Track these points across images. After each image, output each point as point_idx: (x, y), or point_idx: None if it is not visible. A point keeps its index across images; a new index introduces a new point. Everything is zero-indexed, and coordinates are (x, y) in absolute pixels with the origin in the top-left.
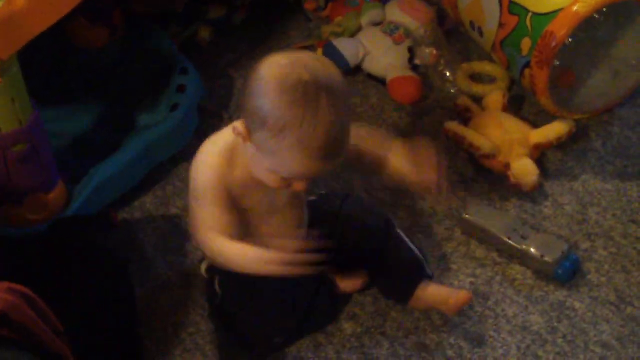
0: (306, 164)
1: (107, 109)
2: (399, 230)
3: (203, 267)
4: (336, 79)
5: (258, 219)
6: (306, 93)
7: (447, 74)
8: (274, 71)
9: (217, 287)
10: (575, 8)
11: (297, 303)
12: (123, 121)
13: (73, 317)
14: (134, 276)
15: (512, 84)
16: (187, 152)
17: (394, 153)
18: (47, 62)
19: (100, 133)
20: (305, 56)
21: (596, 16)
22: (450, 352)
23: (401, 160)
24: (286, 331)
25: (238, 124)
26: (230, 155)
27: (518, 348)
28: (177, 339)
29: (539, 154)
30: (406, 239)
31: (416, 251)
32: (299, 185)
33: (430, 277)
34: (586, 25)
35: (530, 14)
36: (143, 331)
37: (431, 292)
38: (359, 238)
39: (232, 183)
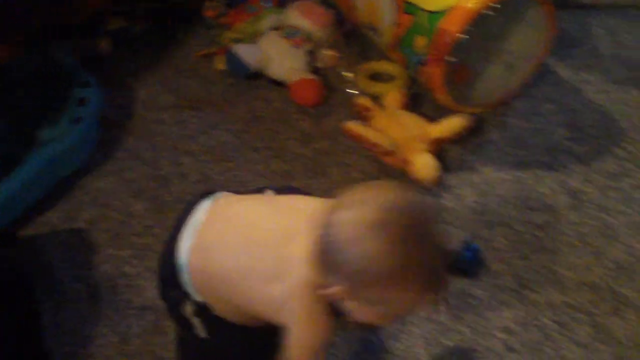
0: (421, 300)
1: (7, 125)
2: None
3: (188, 309)
4: (426, 205)
5: None
6: (413, 235)
7: (347, 75)
8: (370, 225)
9: (197, 323)
10: (467, 5)
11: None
12: (24, 136)
13: None
14: (41, 291)
15: (412, 82)
16: (91, 165)
17: None
18: None
19: (2, 149)
20: (388, 194)
21: (489, 12)
22: (356, 346)
23: None
24: None
25: (335, 291)
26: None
27: (424, 339)
28: (86, 353)
29: (439, 149)
30: None
31: None
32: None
33: None
34: (479, 22)
35: (424, 13)
36: (51, 345)
37: None
38: None
39: None
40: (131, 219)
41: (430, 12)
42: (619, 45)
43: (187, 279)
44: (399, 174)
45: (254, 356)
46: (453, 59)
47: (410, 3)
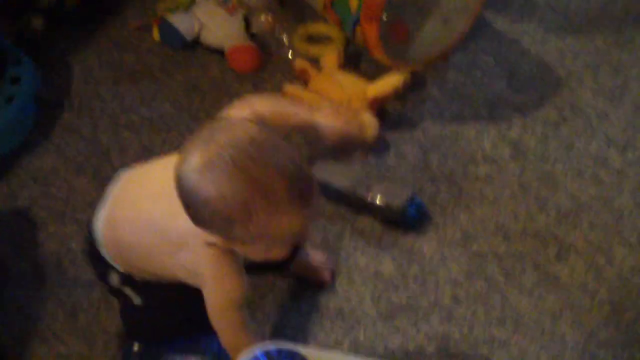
0: (293, 218)
1: None
2: None
3: (114, 279)
4: (252, 130)
5: None
6: (239, 162)
7: (284, 38)
8: (198, 170)
9: (129, 292)
10: None
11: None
12: None
13: None
14: None
15: (349, 42)
16: (29, 144)
17: (320, 114)
18: None
19: None
20: (210, 134)
21: None
22: (305, 307)
23: (328, 116)
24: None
25: (209, 240)
26: (235, 257)
27: (372, 296)
28: (35, 331)
29: (379, 108)
30: None
31: None
32: (304, 238)
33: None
34: None
35: None
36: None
37: (301, 268)
38: None
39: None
40: (74, 195)
41: None
42: None
43: (104, 250)
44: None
45: (194, 310)
46: (386, 17)
47: None
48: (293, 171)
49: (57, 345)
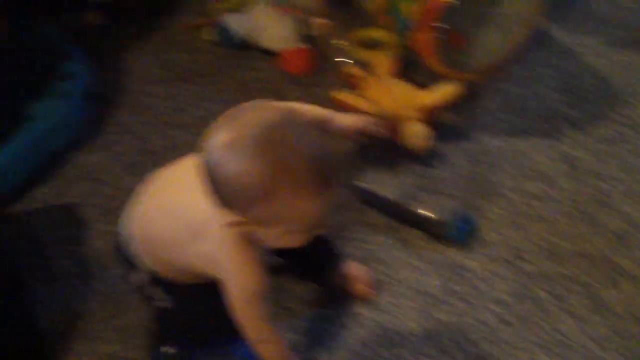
0: (315, 203)
1: None
2: None
3: (139, 278)
4: (279, 113)
5: None
6: (263, 142)
7: (338, 42)
8: (222, 148)
9: (161, 294)
10: None
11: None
12: (10, 112)
13: None
14: (31, 268)
15: (404, 48)
16: (81, 140)
17: (338, 115)
18: None
19: None
20: (238, 115)
21: None
22: (348, 321)
23: (345, 117)
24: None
25: (229, 219)
26: (254, 246)
27: (417, 312)
28: (79, 329)
29: (432, 117)
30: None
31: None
32: (325, 225)
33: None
34: None
35: None
36: (43, 323)
37: (341, 281)
38: None
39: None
40: (122, 193)
41: None
42: (616, 6)
43: (134, 247)
44: (390, 143)
45: (225, 314)
46: (443, 25)
47: None
48: (319, 154)
49: (97, 343)
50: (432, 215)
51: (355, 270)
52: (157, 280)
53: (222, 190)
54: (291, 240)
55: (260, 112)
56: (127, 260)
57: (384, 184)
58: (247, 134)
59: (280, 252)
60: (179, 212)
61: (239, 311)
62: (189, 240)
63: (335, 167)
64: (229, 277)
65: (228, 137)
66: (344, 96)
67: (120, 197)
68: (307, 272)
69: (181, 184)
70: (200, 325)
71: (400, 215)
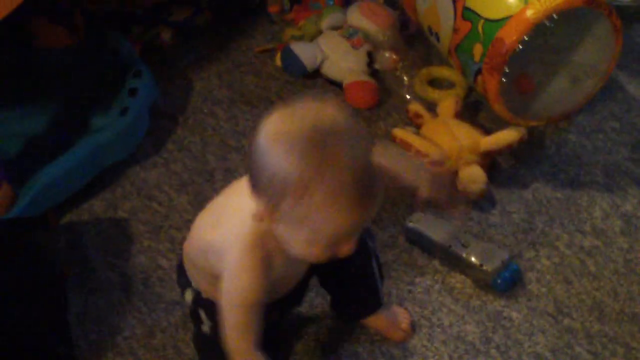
0: (345, 217)
1: (61, 110)
2: (372, 253)
3: (187, 297)
4: (339, 116)
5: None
6: (314, 141)
7: (405, 79)
8: (273, 135)
9: (204, 317)
10: (525, 15)
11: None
12: (77, 123)
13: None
14: (74, 278)
15: (469, 90)
16: (139, 156)
17: (422, 181)
18: (5, 63)
19: (54, 135)
20: (299, 107)
21: (547, 23)
22: (381, 358)
23: (428, 188)
24: None
25: (258, 209)
26: (266, 253)
27: (450, 358)
28: (112, 343)
29: (490, 161)
30: (374, 265)
31: (378, 280)
32: (346, 248)
33: (381, 306)
34: (542, 32)
35: (482, 20)
36: (77, 333)
37: (377, 322)
38: (337, 268)
39: (271, 278)
40: (172, 212)
41: (489, 20)
42: None
43: (185, 265)
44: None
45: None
46: (508, 70)
47: (469, 9)
48: (364, 167)
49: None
50: (478, 262)
51: (394, 314)
52: (200, 300)
53: (258, 174)
54: (310, 253)
55: (318, 109)
56: (180, 276)
57: (434, 226)
58: (299, 128)
59: (324, 283)
60: (216, 209)
61: (225, 313)
62: (214, 224)
63: (375, 184)
64: (229, 272)
65: (280, 128)
66: (404, 134)
67: (169, 215)
68: (346, 311)
69: (229, 191)
70: None
71: (447, 259)
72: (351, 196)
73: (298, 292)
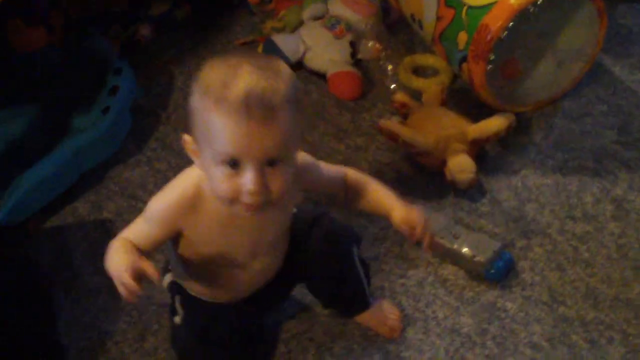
0: (231, 125)
1: (42, 112)
2: (356, 259)
3: (165, 280)
4: (255, 56)
5: (238, 262)
6: (228, 62)
7: (389, 68)
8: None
9: (177, 305)
10: (510, 1)
11: (246, 333)
12: (58, 125)
13: None
14: (61, 283)
15: (455, 77)
16: (122, 155)
17: (395, 212)
18: None
19: (35, 137)
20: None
21: (532, 9)
22: (377, 356)
23: (400, 219)
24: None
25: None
26: (196, 192)
27: (446, 351)
28: (103, 348)
29: (478, 150)
30: (359, 269)
31: (364, 282)
32: (246, 181)
33: (368, 307)
34: (525, 18)
35: (465, 7)
36: (67, 340)
37: (364, 318)
38: (318, 267)
39: (191, 223)
40: None
41: (472, 6)
42: None
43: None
44: (435, 175)
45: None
46: (494, 57)
47: None
48: (259, 94)
49: None
50: (471, 254)
51: (381, 310)
52: (174, 285)
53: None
54: (216, 179)
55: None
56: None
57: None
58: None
59: (310, 288)
60: None
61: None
62: None
63: (273, 109)
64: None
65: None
66: (391, 124)
67: None
68: (335, 307)
69: None
70: (206, 349)
71: (438, 251)
72: (238, 104)
73: (270, 296)
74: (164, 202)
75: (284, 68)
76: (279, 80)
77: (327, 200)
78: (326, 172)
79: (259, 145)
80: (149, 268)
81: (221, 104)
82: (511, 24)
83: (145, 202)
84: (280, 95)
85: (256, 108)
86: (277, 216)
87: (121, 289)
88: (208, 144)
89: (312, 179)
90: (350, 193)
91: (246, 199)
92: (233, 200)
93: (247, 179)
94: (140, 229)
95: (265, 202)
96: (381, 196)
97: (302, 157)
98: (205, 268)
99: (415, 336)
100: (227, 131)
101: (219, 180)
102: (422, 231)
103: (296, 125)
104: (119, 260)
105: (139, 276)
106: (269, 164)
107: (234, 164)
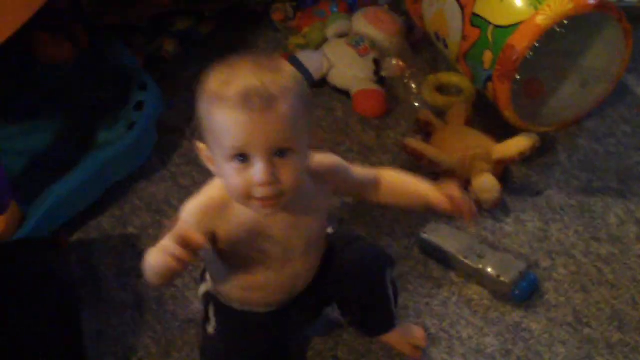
0: (233, 118)
1: (67, 125)
2: (388, 281)
3: (200, 290)
4: (257, 56)
5: (270, 265)
6: (229, 62)
7: (413, 86)
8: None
9: (211, 315)
10: (536, 21)
11: (276, 346)
12: (83, 138)
13: (12, 340)
14: (86, 297)
15: (479, 96)
16: (146, 170)
17: (431, 193)
18: (8, 79)
19: (60, 150)
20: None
21: (557, 29)
22: None
23: (439, 199)
24: None
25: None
26: (224, 195)
27: None
28: None
29: (502, 169)
30: (390, 290)
31: (392, 304)
32: (256, 174)
33: (394, 327)
34: (552, 37)
35: (491, 27)
36: (91, 354)
37: (391, 339)
38: (351, 287)
39: (222, 227)
40: None
41: (498, 26)
42: None
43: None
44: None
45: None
46: (519, 76)
47: (478, 16)
48: (259, 87)
49: None
50: (495, 274)
51: (406, 330)
52: (210, 295)
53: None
54: (228, 176)
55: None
56: (201, 274)
57: (448, 236)
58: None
59: (341, 307)
60: None
61: None
62: None
63: (272, 99)
64: None
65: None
66: (415, 143)
67: None
68: (361, 327)
69: None
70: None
71: (463, 271)
72: (237, 96)
73: (301, 310)
74: (194, 205)
75: (285, 65)
76: (278, 73)
77: (350, 217)
78: (357, 173)
79: (263, 134)
80: (194, 234)
81: (222, 101)
82: (536, 44)
83: (169, 217)
84: (279, 85)
85: (256, 99)
86: (307, 220)
87: (169, 260)
88: (216, 143)
89: (343, 179)
90: (384, 190)
91: (258, 192)
92: (247, 196)
93: (257, 170)
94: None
95: (277, 194)
96: (415, 184)
97: (331, 158)
98: (239, 270)
99: (440, 356)
100: (230, 125)
101: (231, 177)
102: (463, 202)
103: (301, 115)
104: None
105: (185, 244)
106: (278, 155)
107: (243, 158)
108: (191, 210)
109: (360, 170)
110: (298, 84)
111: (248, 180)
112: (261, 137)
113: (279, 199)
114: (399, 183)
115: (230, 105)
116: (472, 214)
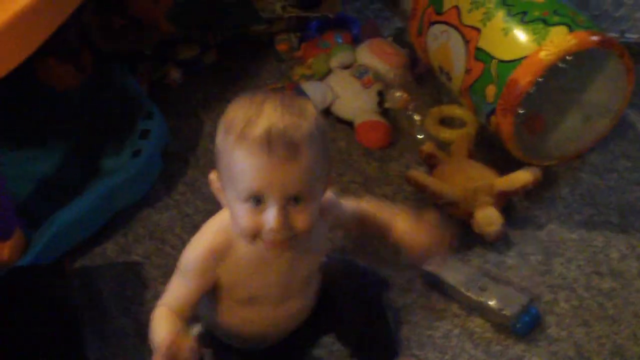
0: (253, 162)
1: (72, 152)
2: (386, 309)
3: (195, 329)
4: (280, 94)
5: (270, 302)
6: (253, 99)
7: (416, 118)
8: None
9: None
10: (539, 56)
11: None
12: (88, 165)
13: None
14: (89, 325)
15: (482, 129)
16: (151, 198)
17: (399, 221)
18: (13, 104)
19: (65, 177)
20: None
21: (561, 65)
22: None
23: (405, 229)
24: None
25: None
26: (226, 237)
27: None
28: None
29: (505, 202)
30: (387, 314)
31: (392, 332)
32: (268, 218)
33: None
34: (554, 72)
35: (495, 61)
36: None
37: None
38: (348, 312)
39: (224, 268)
40: None
41: (502, 61)
42: None
43: None
44: (461, 227)
45: None
46: (523, 111)
47: (482, 50)
48: (281, 131)
49: None
50: (498, 307)
51: None
52: (209, 336)
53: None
54: (240, 216)
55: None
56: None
57: (451, 268)
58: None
59: (340, 335)
60: None
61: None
62: None
63: (296, 146)
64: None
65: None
66: (418, 175)
67: None
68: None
69: None
70: None
71: (465, 303)
72: (260, 139)
73: (299, 343)
74: (195, 252)
75: (309, 106)
76: (302, 117)
77: (353, 247)
78: (347, 208)
79: (281, 182)
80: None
81: (243, 141)
82: (540, 79)
83: (173, 246)
84: (302, 132)
85: (278, 144)
86: (308, 258)
87: None
88: (232, 182)
89: (337, 215)
90: (362, 224)
91: (267, 235)
92: (255, 236)
93: (270, 215)
94: (177, 289)
95: (287, 238)
96: (379, 211)
97: (328, 193)
98: (238, 308)
99: None
100: (250, 168)
101: (242, 217)
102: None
103: (321, 164)
104: (160, 332)
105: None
106: (293, 201)
107: (258, 201)
108: (192, 259)
109: (347, 204)
110: (320, 130)
111: (259, 224)
112: (279, 184)
113: (290, 242)
114: (370, 215)
115: (252, 148)
116: (443, 249)
